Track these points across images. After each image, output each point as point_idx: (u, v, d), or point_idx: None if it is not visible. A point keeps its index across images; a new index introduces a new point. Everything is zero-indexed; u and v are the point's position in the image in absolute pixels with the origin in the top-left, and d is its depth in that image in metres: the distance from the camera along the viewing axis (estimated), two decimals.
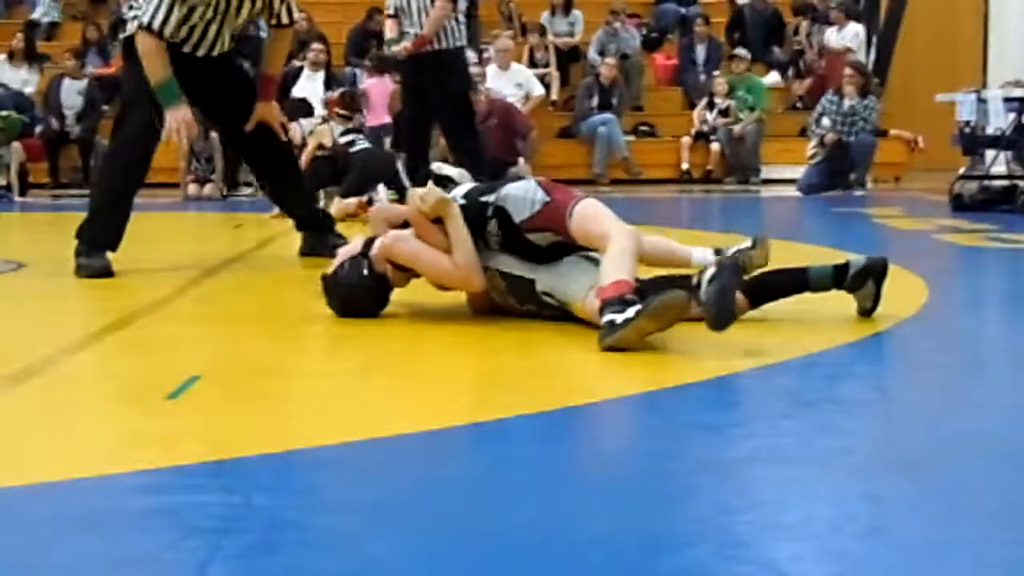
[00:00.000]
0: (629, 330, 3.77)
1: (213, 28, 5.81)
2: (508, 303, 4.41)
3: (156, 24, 5.59)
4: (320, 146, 9.86)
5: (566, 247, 4.31)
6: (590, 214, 4.24)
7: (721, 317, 3.75)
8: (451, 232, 4.31)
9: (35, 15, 16.29)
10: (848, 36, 15.03)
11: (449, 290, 4.58)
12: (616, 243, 4.06)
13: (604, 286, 3.96)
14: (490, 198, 4.37)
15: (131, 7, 6.03)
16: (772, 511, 2.34)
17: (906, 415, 3.17)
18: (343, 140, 9.81)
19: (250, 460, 2.66)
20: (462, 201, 4.38)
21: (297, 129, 11.07)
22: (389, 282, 4.52)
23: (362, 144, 9.83)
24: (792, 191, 12.54)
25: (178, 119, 5.78)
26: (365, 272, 4.47)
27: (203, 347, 4.13)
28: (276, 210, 8.81)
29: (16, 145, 12.84)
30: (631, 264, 4.03)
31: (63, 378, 3.67)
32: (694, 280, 3.89)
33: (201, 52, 5.85)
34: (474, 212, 4.35)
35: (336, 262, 4.54)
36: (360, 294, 4.50)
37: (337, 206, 9.33)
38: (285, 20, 5.96)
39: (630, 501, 2.41)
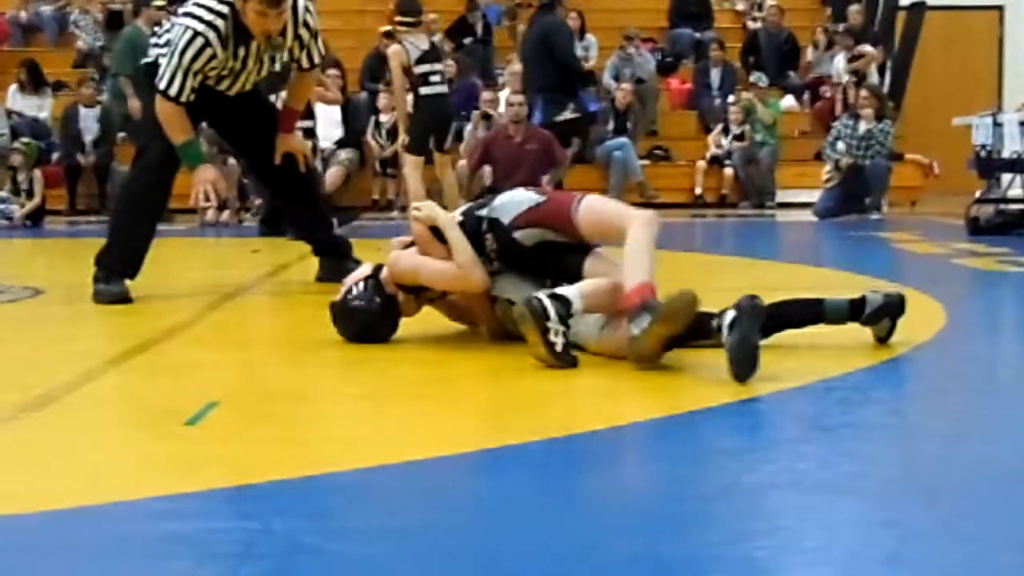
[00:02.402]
0: (647, 338, 3.76)
1: (228, 82, 5.83)
2: (522, 331, 4.40)
3: (172, 92, 5.60)
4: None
5: (555, 251, 4.29)
6: (598, 207, 4.24)
7: (743, 370, 3.65)
8: (448, 235, 4.33)
9: (81, 44, 16.29)
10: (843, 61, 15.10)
11: (467, 322, 4.60)
12: (633, 236, 4.01)
13: (628, 293, 3.91)
14: (483, 212, 4.39)
15: (155, 34, 6.06)
16: (791, 536, 2.34)
17: (924, 440, 3.16)
18: (419, 70, 9.87)
19: (268, 486, 2.67)
20: (460, 218, 4.41)
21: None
22: (399, 307, 4.52)
23: (436, 86, 9.99)
24: (808, 215, 12.54)
25: (204, 180, 5.81)
26: (375, 295, 4.48)
27: (221, 372, 4.14)
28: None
29: (37, 173, 12.91)
30: (649, 260, 3.97)
31: (81, 404, 3.67)
32: (715, 323, 3.82)
33: (224, 90, 5.86)
34: (471, 227, 4.37)
35: (344, 288, 4.54)
36: (370, 318, 4.49)
37: (412, 166, 9.57)
38: (306, 65, 5.98)
39: (649, 526, 2.40)
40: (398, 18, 10.07)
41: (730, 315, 3.74)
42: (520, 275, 4.37)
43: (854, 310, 4.24)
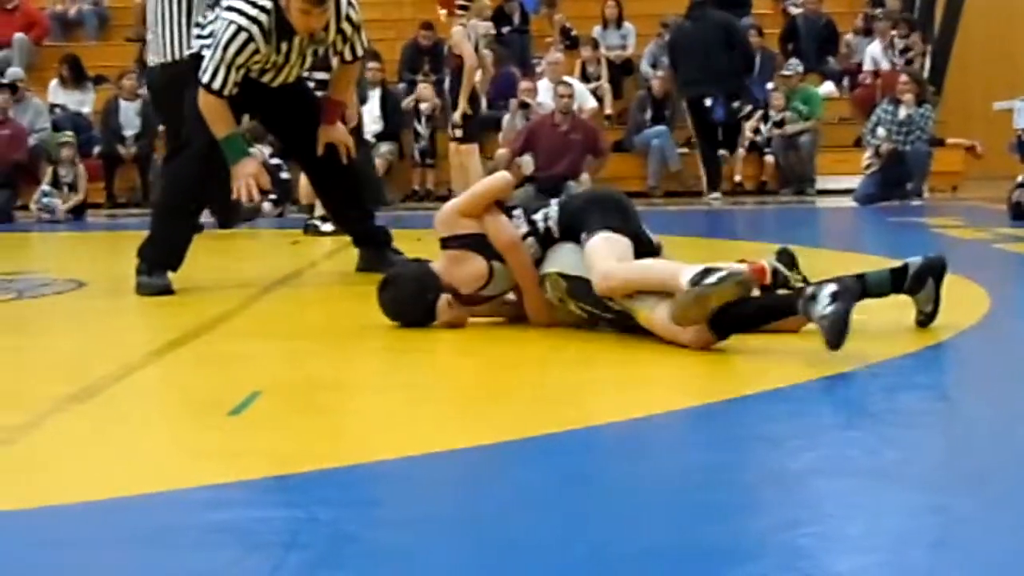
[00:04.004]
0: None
1: (271, 75, 5.83)
2: (569, 309, 4.39)
3: (215, 86, 5.61)
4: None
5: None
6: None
7: (837, 337, 3.70)
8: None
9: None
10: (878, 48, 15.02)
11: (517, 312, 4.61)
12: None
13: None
14: (546, 217, 4.49)
15: (198, 24, 6.07)
16: (836, 524, 2.33)
17: (971, 426, 3.13)
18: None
19: (313, 475, 2.67)
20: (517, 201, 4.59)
21: None
22: (439, 293, 4.52)
23: None
24: (848, 201, 12.47)
25: (245, 174, 5.80)
26: (417, 270, 4.60)
27: (264, 363, 4.15)
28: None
29: (80, 168, 13.00)
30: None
31: (125, 395, 3.70)
32: (810, 291, 3.84)
33: (267, 82, 5.87)
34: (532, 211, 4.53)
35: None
36: (401, 289, 4.56)
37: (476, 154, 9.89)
38: (348, 57, 5.98)
39: (691, 514, 2.40)
40: (460, 2, 10.23)
41: (831, 287, 3.78)
42: (562, 245, 4.40)
43: (896, 280, 4.20)
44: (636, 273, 4.15)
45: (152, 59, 8.73)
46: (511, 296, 4.62)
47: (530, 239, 4.46)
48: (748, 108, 13.53)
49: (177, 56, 8.56)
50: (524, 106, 13.64)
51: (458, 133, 10.34)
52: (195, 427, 3.29)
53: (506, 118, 13.72)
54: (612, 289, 4.15)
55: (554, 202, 4.55)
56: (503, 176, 4.69)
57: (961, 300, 4.69)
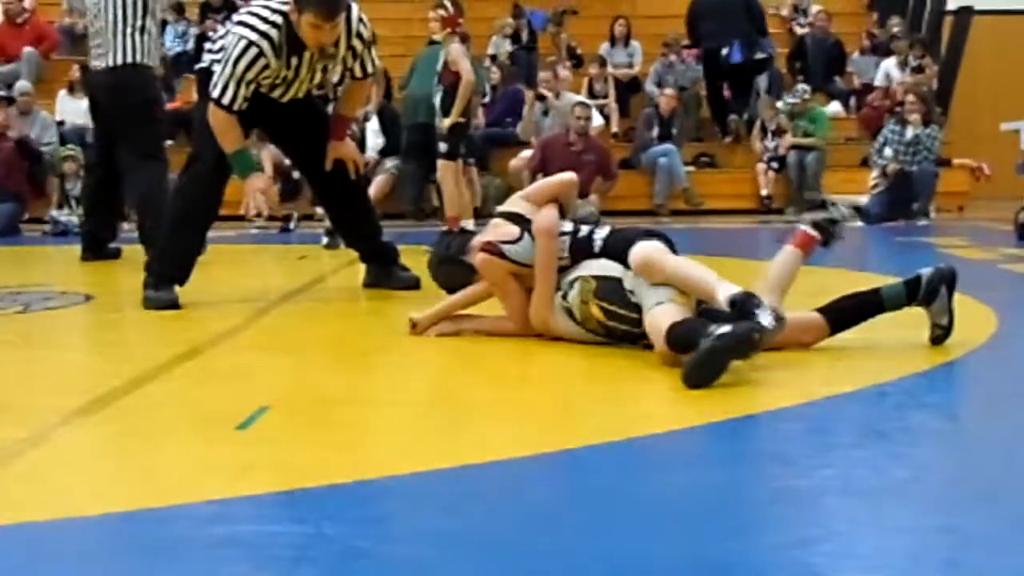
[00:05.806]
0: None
1: (280, 91, 5.84)
2: (589, 313, 4.40)
3: (226, 101, 5.62)
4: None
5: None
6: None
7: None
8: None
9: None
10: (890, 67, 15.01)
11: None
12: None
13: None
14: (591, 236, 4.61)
15: (209, 39, 6.08)
16: (847, 542, 2.32)
17: (981, 445, 3.13)
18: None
19: (321, 490, 2.67)
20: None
21: None
22: (470, 272, 4.73)
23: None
24: (855, 221, 12.45)
25: (254, 190, 5.82)
26: (448, 245, 4.92)
27: (272, 377, 4.15)
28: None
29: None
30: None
31: (133, 409, 3.69)
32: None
33: (277, 98, 5.87)
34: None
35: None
36: (435, 259, 4.96)
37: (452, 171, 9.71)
38: (359, 74, 5.98)
39: (704, 531, 2.39)
40: (461, 20, 10.25)
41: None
42: (597, 259, 4.52)
43: (911, 291, 4.24)
44: (681, 265, 4.24)
45: (96, 63, 8.74)
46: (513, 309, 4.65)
47: (564, 238, 4.56)
48: (763, 55, 14.36)
49: (128, 60, 8.56)
50: (541, 98, 13.70)
51: (442, 147, 10.27)
52: (203, 441, 3.27)
53: (525, 110, 13.94)
54: (652, 261, 4.21)
55: (607, 226, 4.68)
56: (571, 175, 4.91)
57: (968, 320, 4.68)
